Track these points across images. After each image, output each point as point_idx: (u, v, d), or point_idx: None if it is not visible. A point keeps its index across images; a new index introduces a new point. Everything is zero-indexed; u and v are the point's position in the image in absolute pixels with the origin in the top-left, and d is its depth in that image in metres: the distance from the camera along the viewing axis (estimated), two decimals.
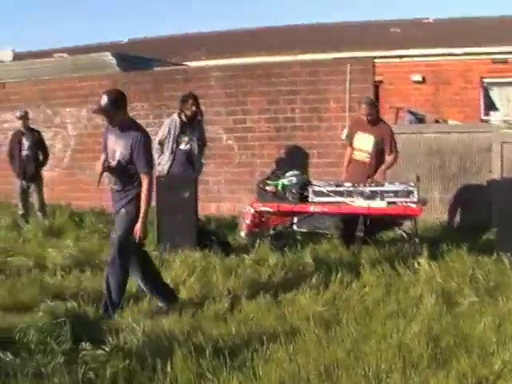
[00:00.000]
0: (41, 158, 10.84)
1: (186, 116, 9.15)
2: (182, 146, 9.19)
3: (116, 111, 6.00)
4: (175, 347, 4.65)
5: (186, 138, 9.19)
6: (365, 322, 5.52)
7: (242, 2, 66.39)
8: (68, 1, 64.99)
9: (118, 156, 6.05)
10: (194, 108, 9.12)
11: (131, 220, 5.97)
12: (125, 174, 6.07)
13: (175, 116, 9.24)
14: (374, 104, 8.62)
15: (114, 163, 6.06)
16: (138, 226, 5.90)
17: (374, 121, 8.46)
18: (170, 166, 9.15)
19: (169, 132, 9.15)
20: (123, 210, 6.06)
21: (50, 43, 63.83)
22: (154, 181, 7.58)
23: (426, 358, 4.56)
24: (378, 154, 8.45)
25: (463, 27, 18.44)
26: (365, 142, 8.46)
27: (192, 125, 9.21)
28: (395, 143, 8.54)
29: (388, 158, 8.49)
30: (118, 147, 6.05)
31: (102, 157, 6.11)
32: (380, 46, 16.92)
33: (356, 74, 10.51)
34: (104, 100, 5.98)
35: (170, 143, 9.13)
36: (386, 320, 5.46)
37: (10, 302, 6.49)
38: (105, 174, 6.12)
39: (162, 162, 9.18)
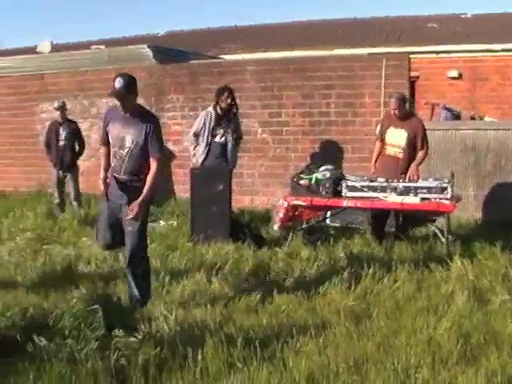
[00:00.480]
0: (77, 148, 11.00)
1: (221, 109, 9.17)
2: (217, 139, 9.23)
3: (130, 95, 5.73)
4: (206, 337, 4.71)
5: (221, 131, 9.22)
6: (395, 317, 5.52)
7: None
8: None
9: (128, 143, 5.80)
10: (228, 101, 9.14)
11: (145, 210, 5.84)
12: (136, 162, 5.84)
13: (210, 108, 9.28)
14: (404, 99, 8.56)
15: (122, 152, 5.83)
16: (136, 204, 5.65)
17: (404, 116, 8.43)
18: (205, 159, 9.19)
19: (204, 124, 9.19)
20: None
21: (88, 35, 64.28)
22: (189, 172, 7.76)
23: (456, 355, 4.55)
24: (411, 149, 8.40)
25: (502, 23, 18.20)
26: (398, 137, 8.42)
27: (227, 117, 9.24)
28: (427, 138, 8.50)
29: (420, 154, 8.45)
30: (127, 134, 5.79)
31: (102, 175, 5.97)
32: (416, 42, 16.80)
33: (391, 70, 10.48)
34: (119, 83, 5.66)
35: (205, 135, 9.17)
36: (416, 315, 5.45)
37: (45, 289, 6.64)
38: (113, 164, 5.95)
39: (197, 154, 9.24)
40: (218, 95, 9.23)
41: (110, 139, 5.91)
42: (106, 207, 6.08)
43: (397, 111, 8.37)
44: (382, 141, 8.58)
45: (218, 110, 9.20)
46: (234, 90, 9.35)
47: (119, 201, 5.90)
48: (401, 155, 8.39)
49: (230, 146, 9.26)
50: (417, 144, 8.41)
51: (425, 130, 8.50)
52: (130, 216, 5.65)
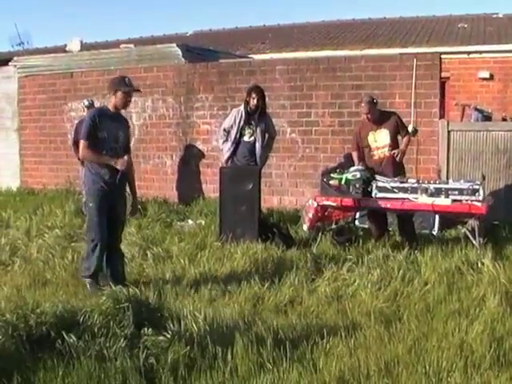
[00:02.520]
0: None
1: (250, 108, 9.17)
2: (246, 138, 9.22)
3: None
4: (236, 336, 4.69)
5: (251, 130, 9.22)
6: (426, 320, 5.47)
7: None
8: None
9: (121, 138, 6.67)
10: (255, 100, 9.11)
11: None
12: (124, 154, 6.62)
13: (241, 107, 9.29)
14: (373, 101, 8.56)
15: (117, 145, 6.60)
16: (131, 205, 6.71)
17: (378, 116, 8.51)
18: (230, 157, 9.21)
19: (234, 122, 9.21)
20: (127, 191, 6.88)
21: (117, 34, 64.61)
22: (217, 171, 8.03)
23: (489, 359, 4.49)
24: (395, 141, 8.55)
25: None
26: (381, 138, 8.51)
27: (257, 117, 9.21)
28: (404, 124, 8.75)
29: (404, 139, 8.64)
30: (119, 130, 6.65)
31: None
32: (447, 42, 16.65)
33: (423, 70, 10.36)
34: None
35: (234, 133, 9.18)
36: (447, 319, 5.40)
37: (74, 286, 6.68)
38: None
39: (224, 150, 9.30)
40: (248, 94, 9.25)
41: (106, 136, 6.52)
42: None
43: (369, 115, 8.48)
44: (364, 148, 8.64)
45: (248, 109, 9.19)
46: (263, 90, 9.32)
47: (116, 187, 6.74)
48: (387, 152, 8.48)
49: (258, 145, 9.22)
50: (400, 135, 8.62)
51: (399, 117, 8.70)
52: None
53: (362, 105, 8.57)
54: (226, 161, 9.26)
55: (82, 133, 6.58)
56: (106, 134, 6.47)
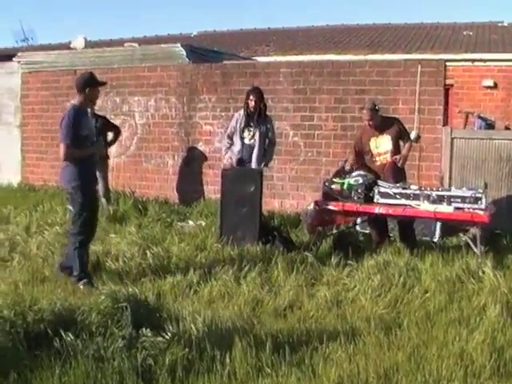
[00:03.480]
0: (110, 137, 11.05)
1: (248, 110, 9.14)
2: (246, 141, 9.19)
3: None
4: (235, 339, 4.67)
5: (250, 133, 9.17)
6: (426, 328, 5.44)
7: (311, 1, 66.08)
8: None
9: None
10: (253, 102, 9.07)
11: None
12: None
13: (242, 110, 9.28)
14: (375, 107, 8.51)
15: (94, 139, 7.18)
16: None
17: (380, 123, 8.47)
18: (239, 159, 9.17)
19: (235, 125, 9.21)
20: None
21: (121, 33, 64.65)
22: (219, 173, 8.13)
23: (489, 369, 4.47)
24: (397, 147, 8.52)
25: None
26: (383, 144, 8.49)
27: (257, 119, 9.15)
28: (406, 130, 8.73)
29: (406, 145, 8.59)
30: (93, 127, 7.41)
31: None
32: (451, 49, 16.63)
33: (426, 76, 10.33)
34: None
35: (237, 136, 9.18)
36: (447, 327, 5.37)
37: (72, 284, 6.67)
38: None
39: (234, 151, 9.25)
40: (246, 96, 9.22)
41: (87, 133, 6.95)
42: None
43: (371, 122, 8.45)
44: (366, 154, 8.61)
45: (248, 112, 9.16)
46: (267, 92, 9.30)
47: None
48: (389, 159, 8.46)
49: (256, 148, 9.14)
50: (402, 141, 8.59)
51: (401, 123, 8.68)
52: None
53: (364, 111, 8.55)
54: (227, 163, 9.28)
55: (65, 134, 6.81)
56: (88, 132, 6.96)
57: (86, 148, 6.86)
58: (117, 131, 11.19)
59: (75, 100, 7.09)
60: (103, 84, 7.25)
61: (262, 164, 9.28)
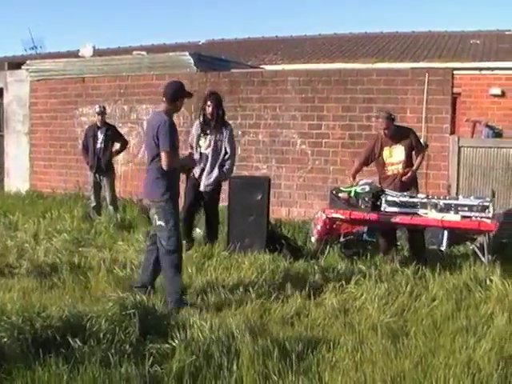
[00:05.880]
0: (118, 147, 11.08)
1: (205, 116, 8.67)
2: (202, 149, 8.73)
3: None
4: (242, 347, 4.68)
5: (207, 141, 8.69)
6: (433, 336, 5.42)
7: (319, 10, 66.13)
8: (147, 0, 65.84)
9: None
10: (210, 108, 8.55)
11: None
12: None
13: (201, 117, 8.77)
14: (391, 116, 8.41)
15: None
16: None
17: (395, 132, 8.35)
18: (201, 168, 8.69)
19: (195, 133, 8.80)
20: None
21: (129, 41, 64.85)
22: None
23: (496, 378, 4.44)
24: (409, 158, 8.42)
25: None
26: (396, 154, 8.37)
27: (213, 126, 8.64)
28: (420, 142, 8.64)
29: (418, 158, 8.50)
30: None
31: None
32: (459, 58, 16.61)
33: (434, 85, 10.35)
34: None
35: (194, 145, 8.77)
36: (454, 335, 5.35)
37: (80, 291, 6.68)
38: None
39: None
40: (204, 101, 8.70)
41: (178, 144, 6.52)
42: None
43: (387, 131, 8.33)
44: (377, 163, 8.51)
45: (205, 118, 8.70)
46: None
47: None
48: (401, 169, 8.37)
49: (209, 158, 8.63)
50: (415, 152, 8.48)
51: (415, 134, 8.56)
52: None
53: (380, 120, 8.45)
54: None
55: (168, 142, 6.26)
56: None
57: (180, 158, 6.57)
58: (124, 143, 11.21)
59: (160, 108, 6.53)
60: (191, 95, 6.75)
61: (212, 183, 8.72)
